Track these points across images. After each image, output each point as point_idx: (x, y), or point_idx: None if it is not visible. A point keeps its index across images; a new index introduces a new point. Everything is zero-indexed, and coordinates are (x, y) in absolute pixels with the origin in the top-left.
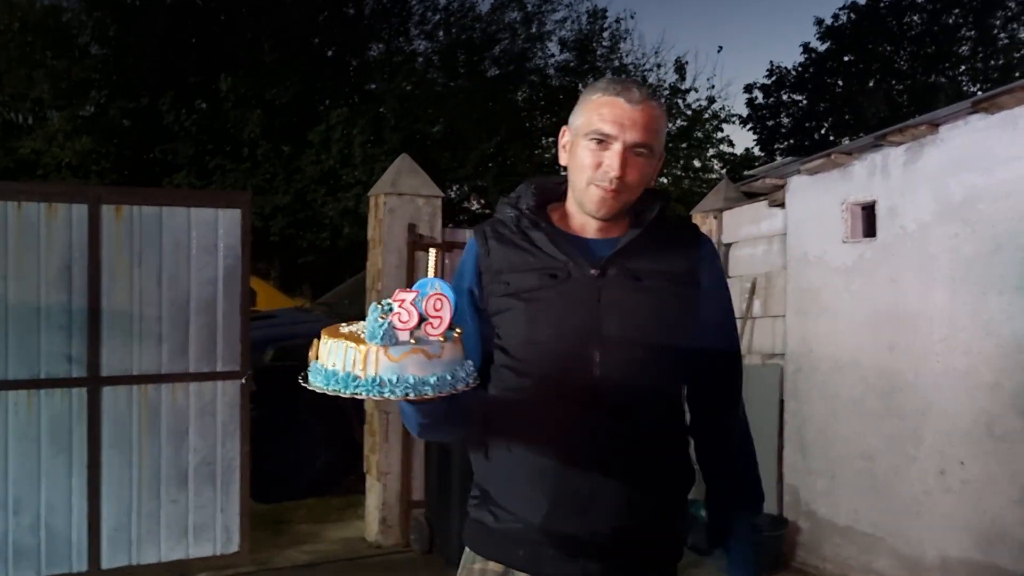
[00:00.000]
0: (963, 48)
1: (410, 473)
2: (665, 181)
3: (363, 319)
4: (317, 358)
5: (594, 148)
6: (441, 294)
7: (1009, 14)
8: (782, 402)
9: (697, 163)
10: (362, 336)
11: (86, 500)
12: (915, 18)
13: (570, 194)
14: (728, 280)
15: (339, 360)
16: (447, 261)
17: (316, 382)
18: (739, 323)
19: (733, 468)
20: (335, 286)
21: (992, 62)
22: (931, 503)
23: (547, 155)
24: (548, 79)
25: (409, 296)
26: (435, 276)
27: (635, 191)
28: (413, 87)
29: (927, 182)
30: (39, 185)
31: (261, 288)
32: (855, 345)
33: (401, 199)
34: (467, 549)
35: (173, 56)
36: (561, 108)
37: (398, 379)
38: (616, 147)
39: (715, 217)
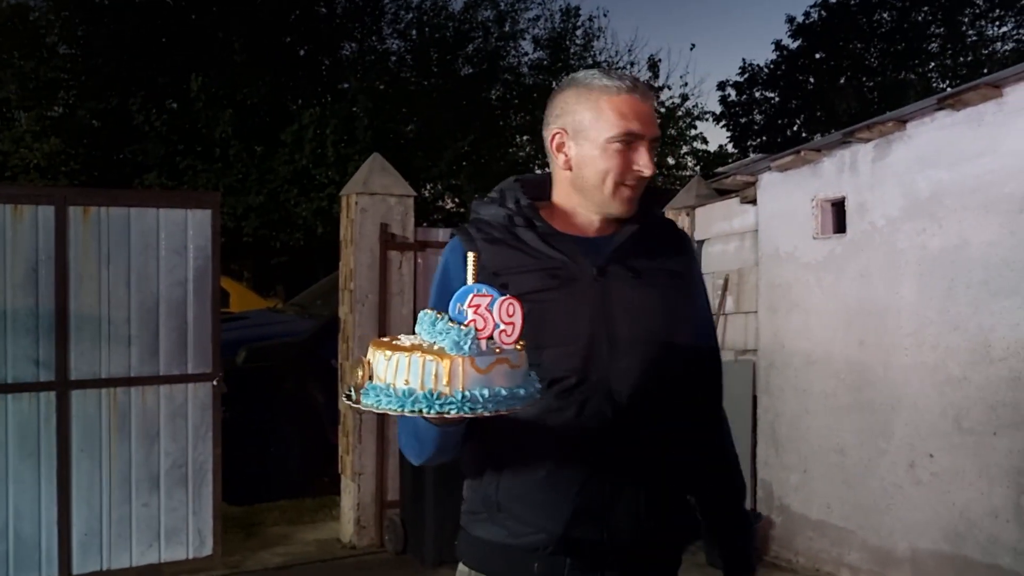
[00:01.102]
0: (932, 45)
1: (384, 474)
2: None
3: (336, 318)
4: (371, 377)
5: (621, 148)
6: (513, 299)
7: (977, 11)
8: (755, 398)
9: (671, 160)
10: (436, 348)
11: (55, 505)
12: (885, 15)
13: (566, 196)
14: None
15: (414, 377)
16: (419, 261)
17: (384, 405)
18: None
19: (725, 462)
20: (309, 286)
21: (961, 59)
22: (901, 496)
23: (521, 153)
24: (521, 77)
25: (485, 301)
26: (474, 281)
27: None
28: (386, 86)
29: (895, 178)
30: (5, 187)
31: (234, 289)
32: (826, 340)
33: (373, 199)
34: (463, 567)
35: (143, 56)
36: (535, 106)
37: (489, 393)
38: (644, 146)
39: (688, 214)
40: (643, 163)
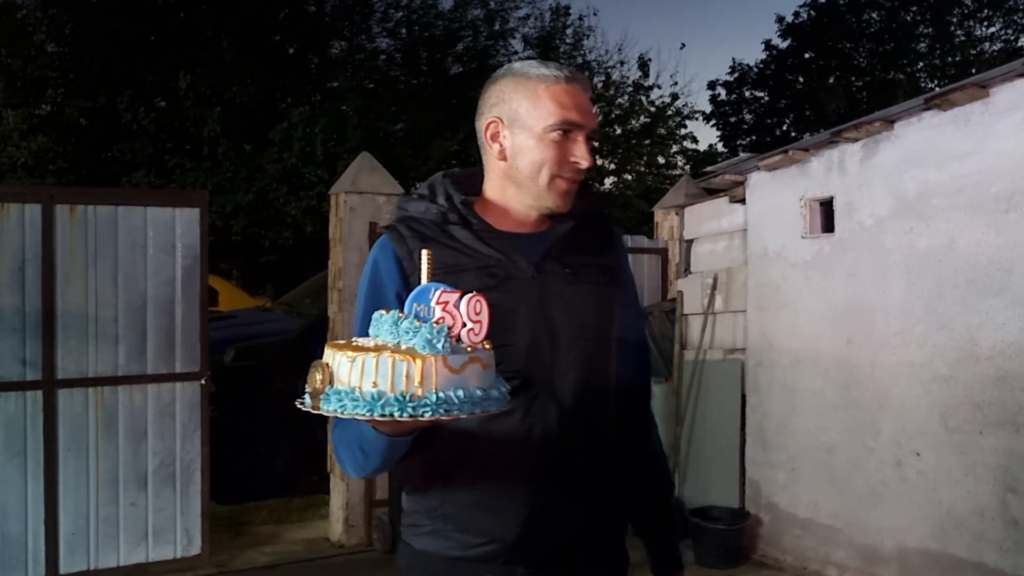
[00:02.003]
0: (921, 45)
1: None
2: (629, 178)
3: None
4: (332, 382)
5: (558, 139)
6: (480, 296)
7: (965, 12)
8: (743, 396)
9: (661, 159)
10: (402, 347)
11: (42, 505)
12: (874, 15)
13: (498, 189)
14: (689, 276)
15: (383, 379)
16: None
17: (351, 409)
18: (700, 318)
19: (655, 459)
20: (297, 285)
21: (949, 59)
22: (888, 494)
23: None
24: None
25: (452, 298)
26: (430, 279)
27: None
28: (375, 85)
29: (883, 178)
30: None
31: (223, 288)
32: (814, 339)
33: (362, 197)
34: None
35: (131, 54)
36: None
37: (465, 394)
38: (582, 137)
39: (677, 213)
40: (580, 154)
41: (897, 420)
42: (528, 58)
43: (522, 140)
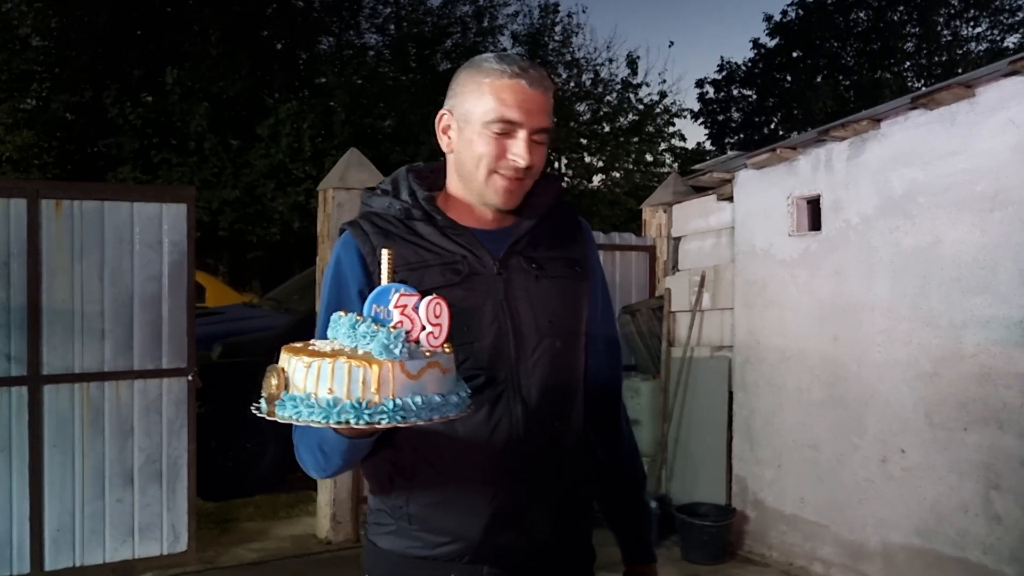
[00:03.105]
0: (908, 44)
1: (360, 469)
2: (617, 175)
3: (313, 313)
4: (287, 387)
5: (496, 136)
6: (440, 299)
7: (952, 12)
8: (731, 393)
9: (649, 157)
10: (359, 352)
11: (27, 501)
12: (861, 15)
13: (456, 184)
14: (677, 273)
15: (339, 385)
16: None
17: (306, 416)
18: (688, 316)
19: (627, 451)
20: (285, 281)
21: (935, 58)
22: (873, 490)
23: None
24: None
25: (411, 301)
26: (391, 280)
27: (536, 176)
28: (364, 81)
29: (869, 176)
30: None
31: (210, 283)
32: (801, 336)
33: (350, 193)
34: None
35: (117, 48)
36: None
37: (423, 401)
38: (522, 134)
39: (665, 211)
40: (517, 152)
41: (882, 417)
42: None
43: (466, 135)
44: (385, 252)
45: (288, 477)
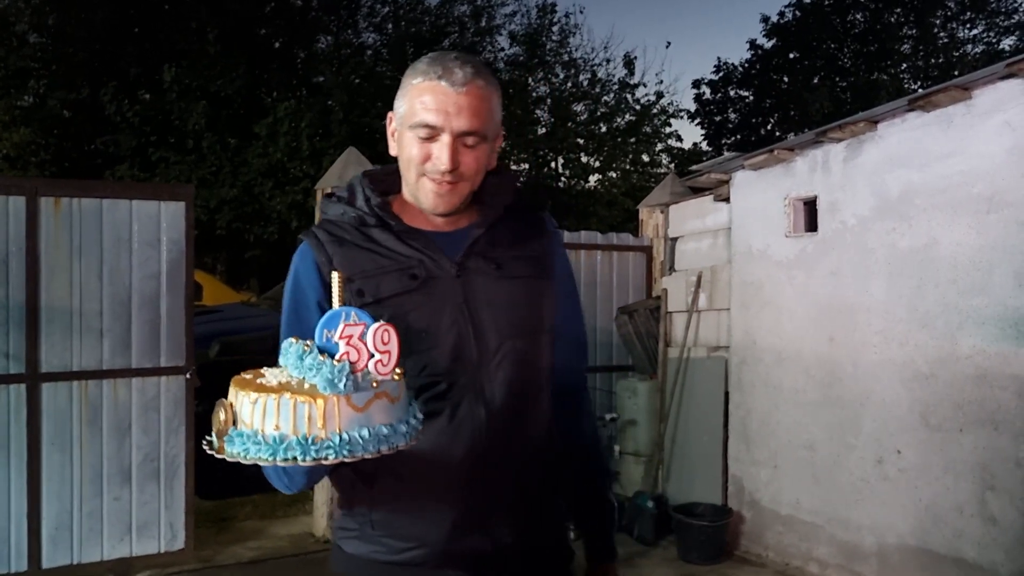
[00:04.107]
0: (904, 46)
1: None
2: (614, 175)
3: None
4: (235, 423)
5: (421, 139)
6: (388, 325)
7: (948, 14)
8: (727, 394)
9: (645, 158)
10: (305, 386)
11: (25, 499)
12: (858, 16)
13: (404, 188)
14: (674, 274)
15: (285, 421)
16: None
17: (253, 454)
18: (685, 316)
19: (590, 447)
20: (282, 280)
21: (932, 60)
22: (869, 491)
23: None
24: (498, 73)
25: (357, 330)
26: (341, 304)
27: (474, 180)
28: (361, 80)
29: (866, 178)
30: None
31: (207, 282)
32: (797, 337)
33: None
34: None
35: (114, 46)
36: (511, 102)
37: (370, 434)
38: (444, 138)
39: (662, 212)
40: (437, 155)
41: (878, 418)
42: (515, 57)
43: (399, 137)
44: (335, 275)
45: None
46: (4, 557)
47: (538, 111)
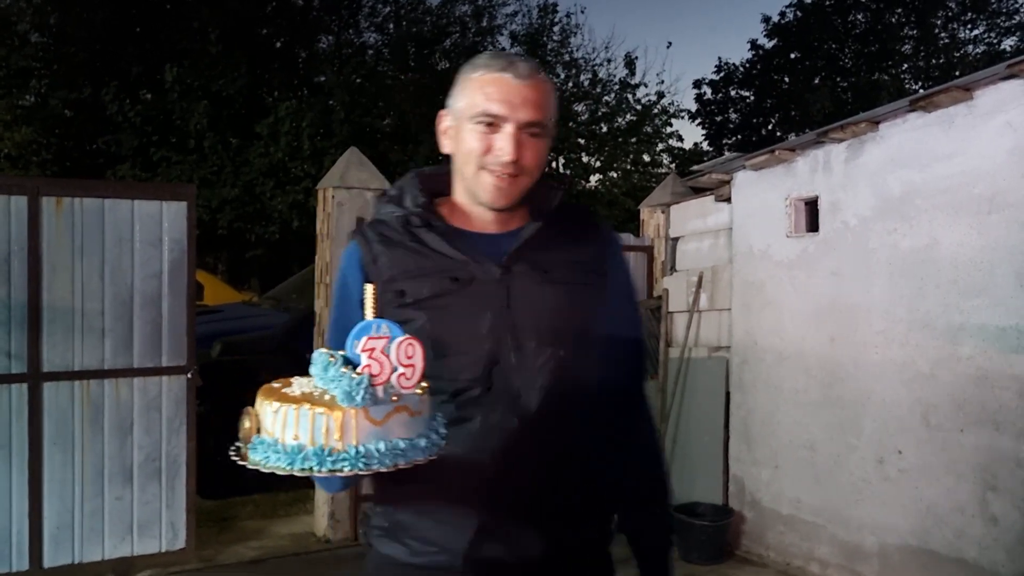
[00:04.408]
0: (905, 47)
1: None
2: (615, 175)
3: (312, 312)
4: (259, 431)
5: (483, 131)
6: (412, 339)
7: (950, 14)
8: (728, 394)
9: (646, 157)
10: (327, 398)
11: (27, 498)
12: (859, 17)
13: (458, 186)
14: (675, 274)
15: (304, 431)
16: None
17: (272, 462)
18: (686, 316)
19: (647, 465)
20: (284, 280)
21: (933, 61)
22: (870, 491)
23: None
24: None
25: (380, 344)
26: (374, 315)
27: (533, 175)
28: (363, 80)
29: (867, 178)
30: None
31: (208, 282)
32: (798, 337)
33: (350, 193)
34: None
35: (116, 45)
36: None
37: (386, 447)
38: (508, 128)
39: (663, 212)
40: (500, 146)
41: (879, 418)
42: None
43: (459, 133)
44: (369, 287)
45: (287, 475)
46: (5, 556)
47: None
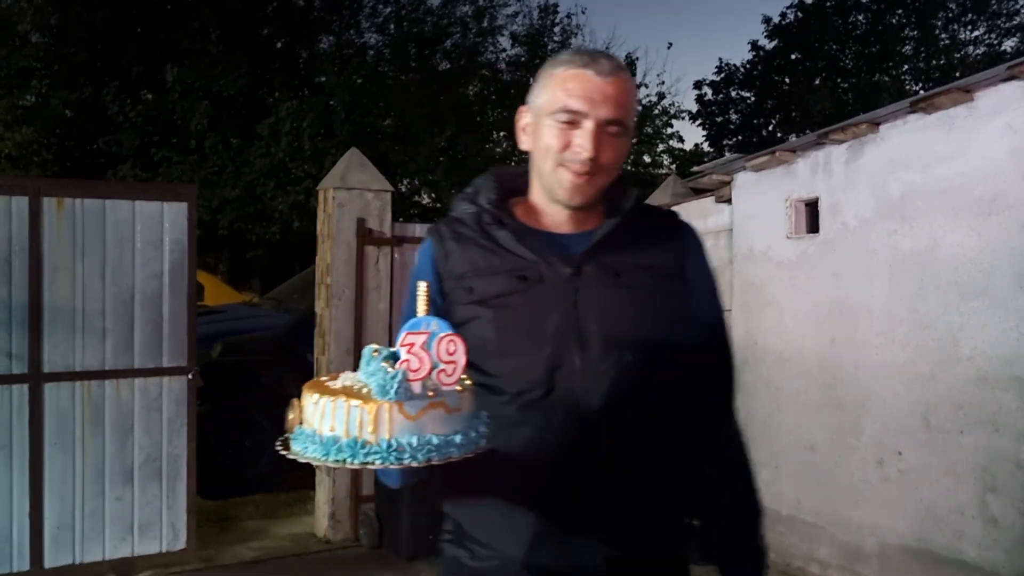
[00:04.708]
0: (906, 48)
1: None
2: None
3: (312, 313)
4: (301, 422)
5: (562, 127)
6: (454, 335)
7: (950, 15)
8: None
9: (647, 158)
10: (364, 391)
11: (28, 498)
12: (860, 18)
13: (535, 184)
14: None
15: (339, 423)
16: (396, 256)
17: (309, 453)
18: None
19: (732, 480)
20: (284, 280)
21: (934, 62)
22: (870, 492)
23: (498, 149)
24: (499, 73)
25: (420, 339)
26: (427, 312)
27: (611, 173)
28: (364, 80)
29: (867, 179)
30: None
31: (209, 282)
32: (798, 338)
33: (350, 193)
34: None
35: (116, 45)
36: (512, 102)
37: (419, 442)
38: (588, 125)
39: None
40: (579, 142)
41: (879, 419)
42: (516, 57)
43: (537, 128)
44: (422, 284)
45: (287, 476)
46: (6, 556)
47: None
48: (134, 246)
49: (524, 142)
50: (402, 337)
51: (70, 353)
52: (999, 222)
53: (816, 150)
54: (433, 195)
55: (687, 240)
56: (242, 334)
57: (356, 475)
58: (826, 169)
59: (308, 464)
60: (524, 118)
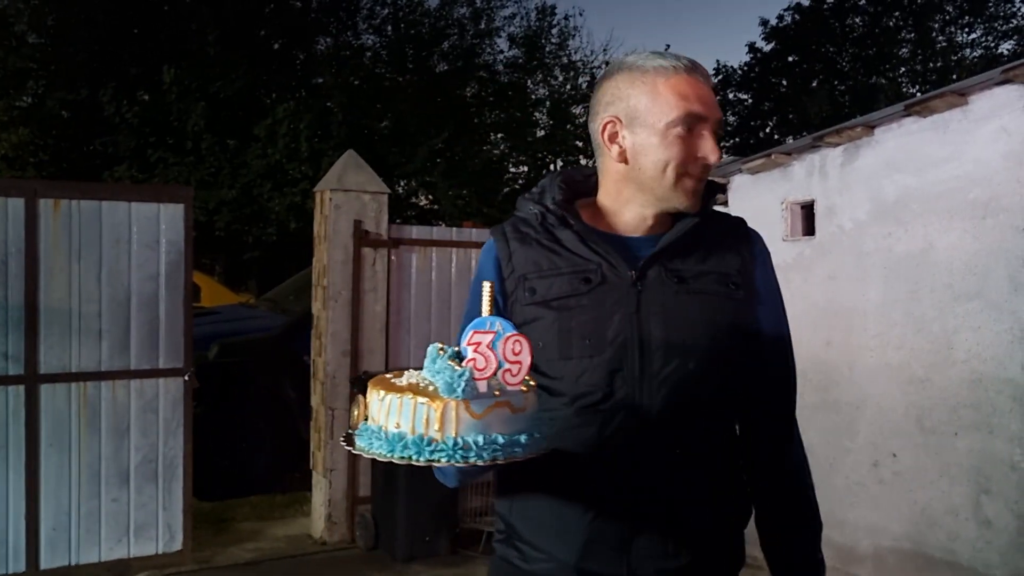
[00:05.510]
0: (903, 50)
1: (356, 469)
2: None
3: (309, 314)
4: (366, 418)
5: (682, 133)
6: (520, 335)
7: (947, 18)
8: None
9: None
10: (430, 389)
11: (23, 500)
12: (857, 20)
13: (615, 190)
14: None
15: (405, 420)
16: (393, 258)
17: (375, 449)
18: None
19: (795, 494)
20: (281, 282)
21: (930, 64)
22: (865, 494)
23: (495, 151)
24: (497, 75)
25: (486, 339)
26: (491, 312)
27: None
28: (361, 82)
29: (863, 182)
30: None
31: (205, 283)
32: (794, 340)
33: (347, 195)
34: None
35: (114, 46)
36: (509, 104)
37: (484, 440)
38: (708, 130)
39: None
40: (707, 149)
41: (874, 421)
42: (514, 59)
43: (643, 139)
44: (487, 284)
45: (284, 477)
46: (2, 558)
47: (537, 113)
48: (130, 247)
49: (617, 153)
50: (468, 336)
51: (66, 354)
52: (993, 225)
53: (812, 153)
54: (430, 197)
55: (755, 248)
56: (238, 335)
57: (353, 477)
58: (822, 172)
59: (304, 465)
60: (615, 128)
